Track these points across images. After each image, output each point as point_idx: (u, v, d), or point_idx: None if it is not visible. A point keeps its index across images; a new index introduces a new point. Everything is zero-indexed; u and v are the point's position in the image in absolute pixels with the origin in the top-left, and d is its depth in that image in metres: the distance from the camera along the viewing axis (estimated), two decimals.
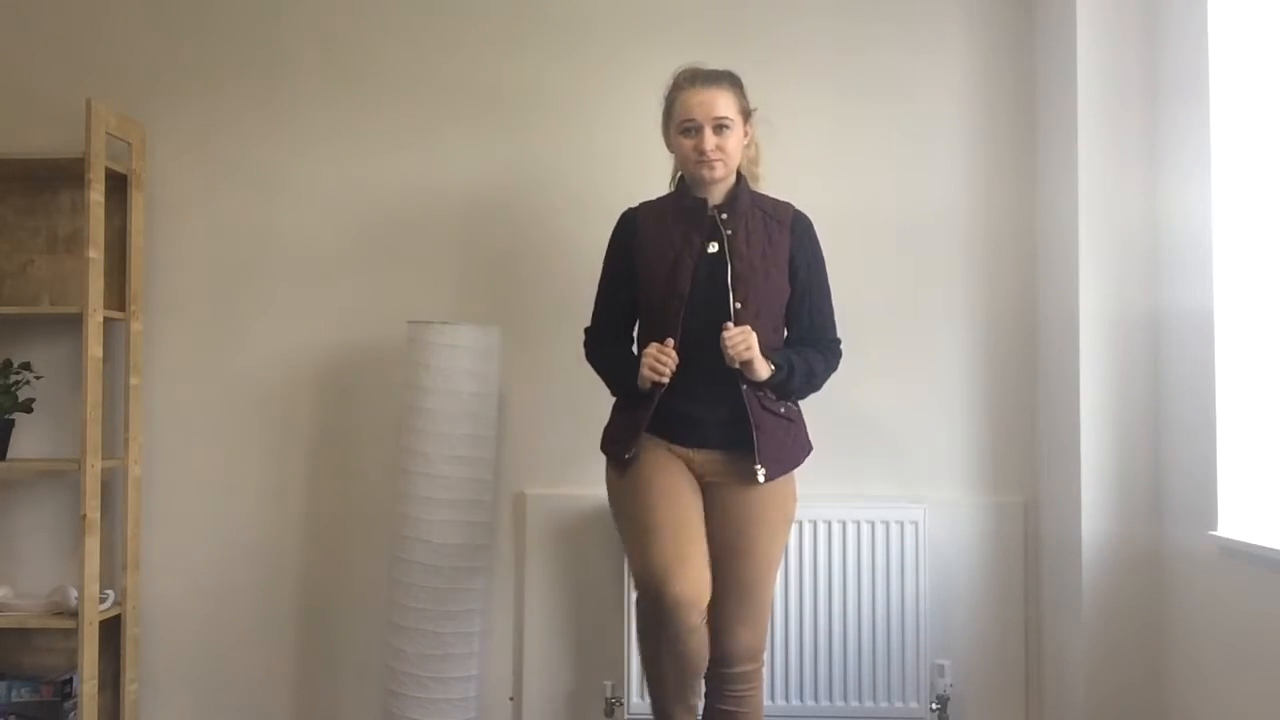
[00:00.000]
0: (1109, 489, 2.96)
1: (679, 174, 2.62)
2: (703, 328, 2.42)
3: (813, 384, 2.56)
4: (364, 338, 3.31)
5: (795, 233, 2.55)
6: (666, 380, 2.42)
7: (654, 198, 2.65)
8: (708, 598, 2.38)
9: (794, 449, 2.54)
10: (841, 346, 2.62)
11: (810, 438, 2.63)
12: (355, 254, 3.33)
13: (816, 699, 3.10)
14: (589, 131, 3.27)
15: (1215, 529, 2.68)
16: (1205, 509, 2.72)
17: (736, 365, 2.39)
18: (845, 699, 3.10)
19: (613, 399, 2.62)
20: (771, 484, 2.47)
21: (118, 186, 3.24)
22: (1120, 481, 2.96)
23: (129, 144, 3.24)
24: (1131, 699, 2.93)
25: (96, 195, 3.07)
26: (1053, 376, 3.15)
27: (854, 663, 3.10)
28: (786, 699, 3.10)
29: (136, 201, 3.28)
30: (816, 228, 3.24)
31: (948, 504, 3.22)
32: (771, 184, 3.27)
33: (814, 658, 3.10)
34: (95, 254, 3.06)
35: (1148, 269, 2.98)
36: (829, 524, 3.12)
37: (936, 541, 3.19)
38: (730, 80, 2.52)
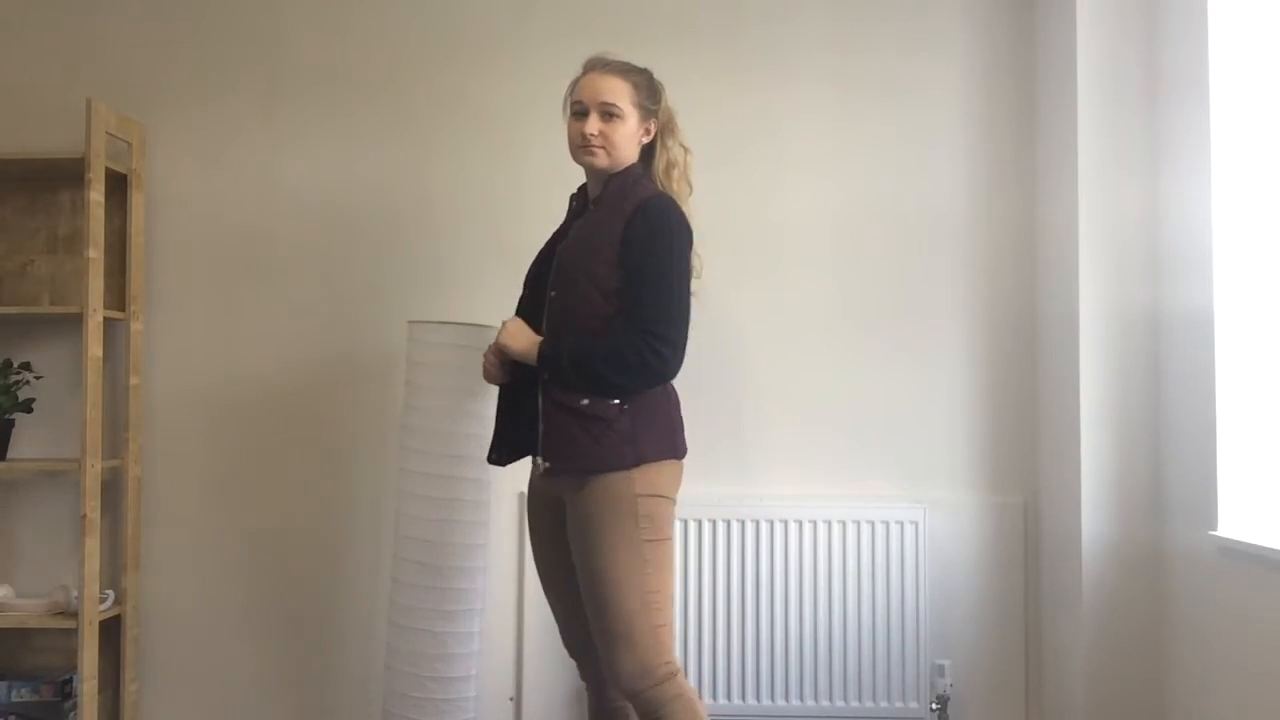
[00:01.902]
0: (1109, 489, 2.96)
1: None
2: (545, 321, 2.40)
3: (589, 371, 2.26)
4: (364, 338, 3.32)
5: (631, 218, 2.31)
6: (497, 379, 2.49)
7: None
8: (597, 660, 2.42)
9: (594, 449, 2.27)
10: (660, 345, 2.25)
11: (645, 449, 2.30)
12: (355, 254, 3.33)
13: (816, 699, 3.10)
14: None
15: (1215, 529, 2.68)
16: (1205, 509, 2.72)
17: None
18: (845, 699, 3.10)
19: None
20: (595, 491, 2.26)
21: (118, 186, 3.24)
22: (1120, 481, 2.96)
23: (129, 144, 3.24)
24: (1131, 699, 2.93)
25: (96, 195, 3.07)
26: (1053, 376, 3.16)
27: (854, 663, 3.10)
28: (787, 699, 3.10)
29: (136, 201, 3.28)
30: (816, 227, 3.28)
31: (948, 504, 3.22)
32: (771, 184, 3.29)
33: (814, 658, 3.10)
34: (95, 254, 3.06)
35: (1148, 269, 2.98)
36: (829, 524, 3.12)
37: (936, 541, 3.19)
38: (635, 74, 2.41)
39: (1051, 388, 3.17)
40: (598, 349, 2.28)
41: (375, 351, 3.30)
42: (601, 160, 2.39)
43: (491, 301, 3.24)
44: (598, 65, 2.43)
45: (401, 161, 3.34)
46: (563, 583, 2.43)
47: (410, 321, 3.08)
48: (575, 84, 2.45)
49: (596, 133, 2.36)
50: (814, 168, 3.29)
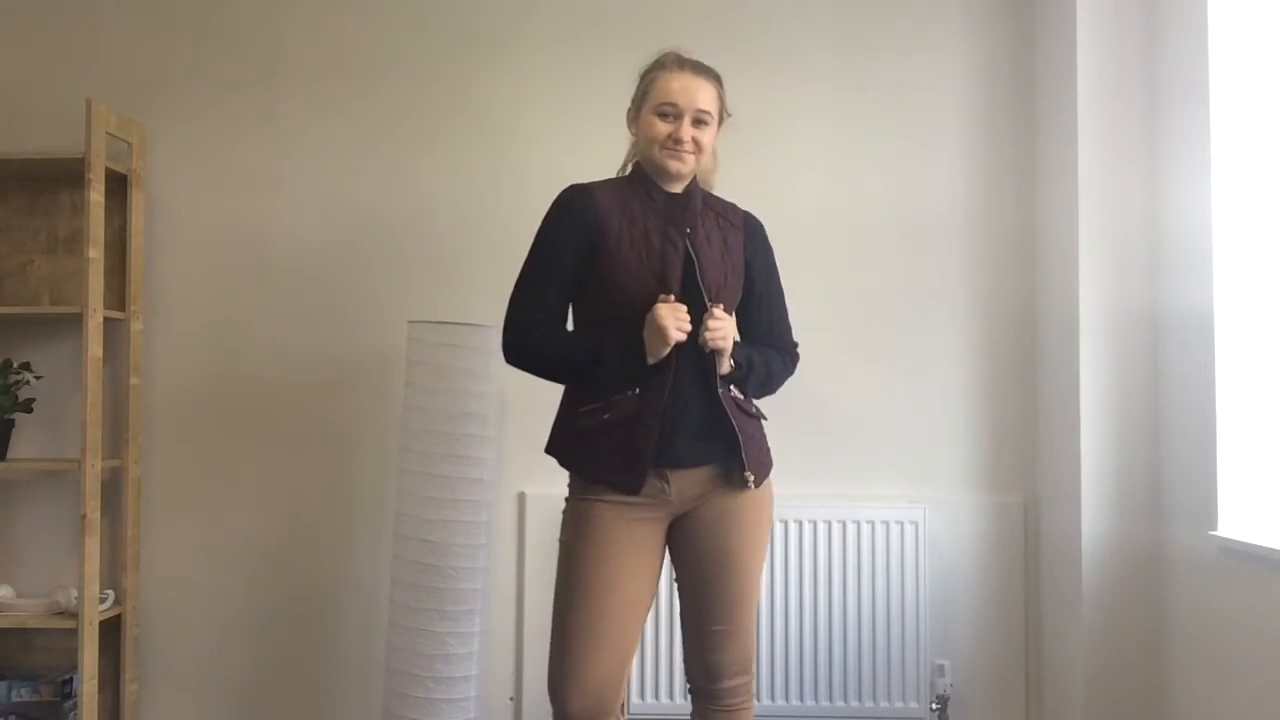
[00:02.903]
0: (1109, 489, 2.96)
1: (631, 161, 2.41)
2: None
3: (769, 385, 2.39)
4: (364, 338, 3.32)
5: (749, 234, 2.39)
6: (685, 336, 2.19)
7: (600, 179, 2.41)
8: (611, 708, 2.31)
9: (768, 454, 2.36)
10: (799, 351, 2.48)
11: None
12: (355, 254, 3.33)
13: (816, 699, 3.10)
14: (587, 133, 3.26)
15: (1215, 529, 2.68)
16: (1205, 509, 2.72)
17: (709, 349, 2.21)
18: (845, 699, 3.10)
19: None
20: (755, 492, 2.30)
21: (118, 186, 3.24)
22: (1120, 481, 2.96)
23: (129, 144, 3.24)
24: (1131, 699, 2.93)
25: (96, 195, 3.07)
26: (1053, 376, 3.16)
27: (854, 663, 3.10)
28: (787, 699, 3.10)
29: (136, 201, 3.28)
30: (816, 227, 3.29)
31: (948, 504, 3.22)
32: (772, 184, 3.29)
33: (814, 658, 3.10)
34: (95, 254, 3.06)
35: (1148, 269, 2.98)
36: (829, 524, 3.13)
37: (936, 541, 3.19)
38: (717, 78, 2.36)
39: (1051, 388, 3.17)
40: (775, 364, 2.39)
41: (375, 351, 3.30)
42: (690, 166, 2.30)
43: (491, 302, 3.24)
44: (686, 65, 2.32)
45: (402, 161, 3.34)
46: (641, 599, 2.27)
47: (410, 321, 3.08)
48: (656, 79, 2.31)
49: (690, 139, 2.27)
50: (814, 168, 3.29)
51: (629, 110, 2.38)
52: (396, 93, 3.35)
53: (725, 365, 2.26)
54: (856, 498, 3.20)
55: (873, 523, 3.13)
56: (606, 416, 2.23)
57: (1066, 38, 3.05)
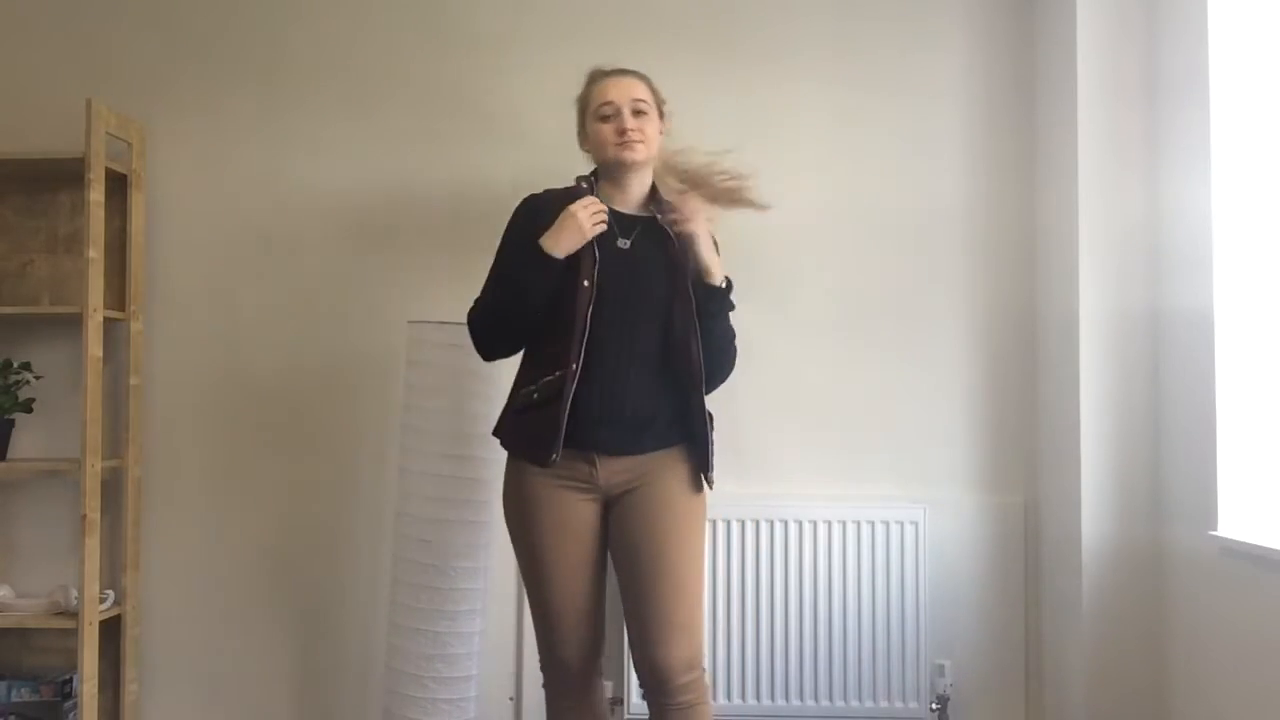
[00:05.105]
0: (1109, 489, 2.96)
1: (590, 173, 2.52)
2: (619, 323, 2.37)
3: (728, 334, 2.53)
4: (364, 338, 3.32)
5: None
6: (605, 224, 2.36)
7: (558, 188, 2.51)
8: (596, 658, 2.46)
9: (709, 451, 2.46)
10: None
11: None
12: (355, 254, 3.33)
13: (816, 699, 3.10)
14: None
15: (1215, 529, 2.68)
16: (1205, 509, 2.72)
17: (681, 229, 2.40)
18: (845, 699, 3.10)
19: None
20: (691, 487, 2.42)
21: (118, 186, 3.24)
22: (1120, 481, 2.96)
23: (129, 144, 3.25)
24: (1131, 699, 2.93)
25: (96, 195, 3.07)
26: (1053, 376, 3.16)
27: (854, 663, 3.10)
28: (786, 699, 3.10)
29: (136, 201, 3.28)
30: (816, 227, 3.29)
31: (948, 504, 3.22)
32: (771, 184, 3.28)
33: (814, 658, 3.10)
34: (95, 254, 3.06)
35: (1148, 269, 2.98)
36: (829, 524, 3.12)
37: (936, 541, 3.19)
38: (643, 76, 2.49)
39: (1051, 388, 3.17)
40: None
41: (375, 351, 3.30)
42: (641, 155, 2.43)
43: None
44: (612, 71, 2.48)
45: (402, 161, 3.33)
46: (586, 581, 2.42)
47: (410, 321, 3.08)
48: (591, 91, 2.48)
49: (635, 128, 2.40)
50: (814, 168, 3.29)
51: (577, 135, 2.52)
52: (396, 92, 3.34)
53: (713, 266, 2.44)
54: (856, 498, 3.20)
55: (873, 523, 3.13)
56: (535, 397, 2.37)
57: (1066, 38, 3.05)
